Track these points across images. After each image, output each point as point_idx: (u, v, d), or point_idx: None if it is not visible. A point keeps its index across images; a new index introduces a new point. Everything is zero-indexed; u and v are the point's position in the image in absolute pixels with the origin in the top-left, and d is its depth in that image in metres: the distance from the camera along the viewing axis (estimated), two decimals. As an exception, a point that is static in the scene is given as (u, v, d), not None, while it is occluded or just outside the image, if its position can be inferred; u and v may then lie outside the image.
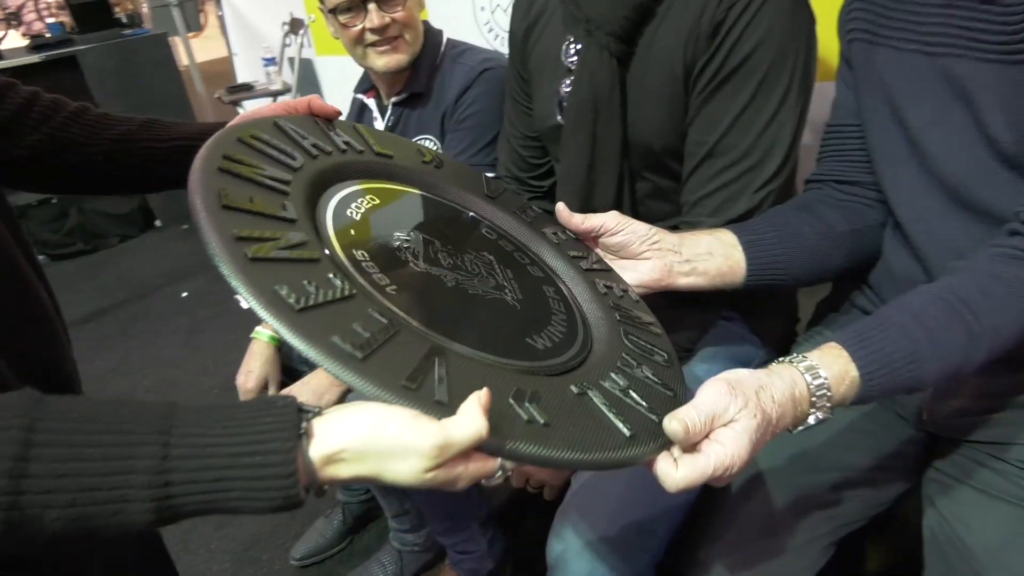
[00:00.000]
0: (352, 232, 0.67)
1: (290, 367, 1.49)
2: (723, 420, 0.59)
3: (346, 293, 0.56)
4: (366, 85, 1.48)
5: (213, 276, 3.30)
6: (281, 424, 0.50)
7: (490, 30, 1.85)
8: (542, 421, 0.54)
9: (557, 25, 1.08)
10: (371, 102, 1.45)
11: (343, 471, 0.52)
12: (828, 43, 1.03)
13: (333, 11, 1.28)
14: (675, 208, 1.03)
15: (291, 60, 3.44)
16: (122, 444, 0.48)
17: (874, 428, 0.94)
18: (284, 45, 3.51)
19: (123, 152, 0.86)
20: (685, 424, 0.57)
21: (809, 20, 0.95)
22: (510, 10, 1.74)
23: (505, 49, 1.76)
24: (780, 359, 0.67)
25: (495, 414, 0.52)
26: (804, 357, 0.66)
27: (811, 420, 0.65)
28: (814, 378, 0.64)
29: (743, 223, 0.93)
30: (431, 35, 1.38)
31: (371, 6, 1.25)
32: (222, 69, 5.10)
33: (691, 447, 0.59)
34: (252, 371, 1.43)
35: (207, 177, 0.59)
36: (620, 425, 0.58)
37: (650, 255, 0.85)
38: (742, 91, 0.93)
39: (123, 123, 0.87)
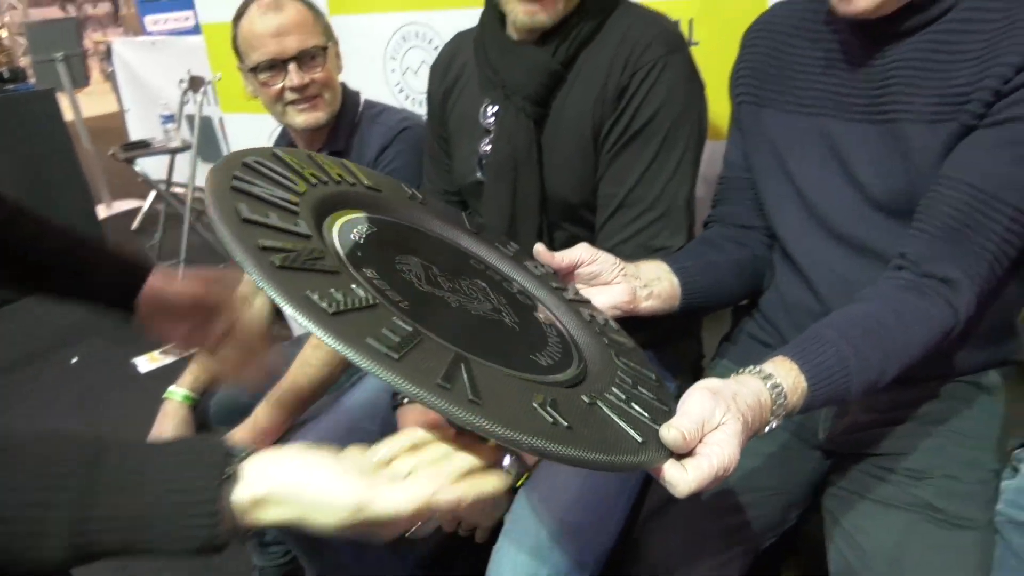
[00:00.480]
0: (358, 253, 0.69)
1: (202, 427, 1.45)
2: (712, 425, 0.64)
3: (370, 302, 0.58)
4: (284, 142, 1.50)
5: (106, 339, 3.14)
6: (208, 464, 0.51)
7: (400, 91, 1.92)
8: (565, 424, 0.57)
9: (474, 89, 1.16)
10: (289, 159, 1.47)
11: (268, 515, 0.52)
12: (715, 106, 1.15)
13: (253, 70, 1.31)
14: None
15: (190, 118, 3.39)
16: (46, 475, 0.47)
17: (777, 449, 1.03)
18: (183, 102, 3.46)
19: None
20: (681, 432, 0.61)
21: (700, 87, 1.08)
22: (421, 72, 1.83)
23: (416, 109, 1.84)
24: (740, 370, 0.72)
25: (522, 415, 0.55)
26: (762, 369, 0.72)
27: (769, 428, 0.70)
28: (774, 387, 0.70)
29: (668, 255, 1.02)
30: (349, 95, 1.43)
31: (291, 66, 1.29)
32: (112, 125, 4.95)
33: (688, 452, 0.63)
34: (164, 433, 1.38)
35: (222, 195, 0.61)
36: (631, 432, 0.61)
37: (619, 280, 0.92)
38: (646, 149, 1.03)
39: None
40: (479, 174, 1.16)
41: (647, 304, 0.93)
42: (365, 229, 0.75)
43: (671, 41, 1.03)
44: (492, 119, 1.13)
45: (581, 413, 0.61)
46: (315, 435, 1.24)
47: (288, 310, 0.52)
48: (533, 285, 0.87)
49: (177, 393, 1.42)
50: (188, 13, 4.79)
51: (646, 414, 0.65)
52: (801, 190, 0.98)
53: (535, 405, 0.58)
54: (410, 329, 0.57)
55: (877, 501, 0.93)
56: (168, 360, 2.77)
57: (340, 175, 0.81)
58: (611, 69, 1.02)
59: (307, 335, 1.42)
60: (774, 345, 1.05)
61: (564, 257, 0.90)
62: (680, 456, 0.63)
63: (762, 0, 1.33)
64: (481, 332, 0.69)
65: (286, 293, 0.52)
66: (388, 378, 0.51)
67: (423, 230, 0.86)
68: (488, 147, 1.14)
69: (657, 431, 0.63)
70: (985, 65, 0.82)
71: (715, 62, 1.15)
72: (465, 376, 0.56)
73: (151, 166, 3.96)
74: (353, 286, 0.59)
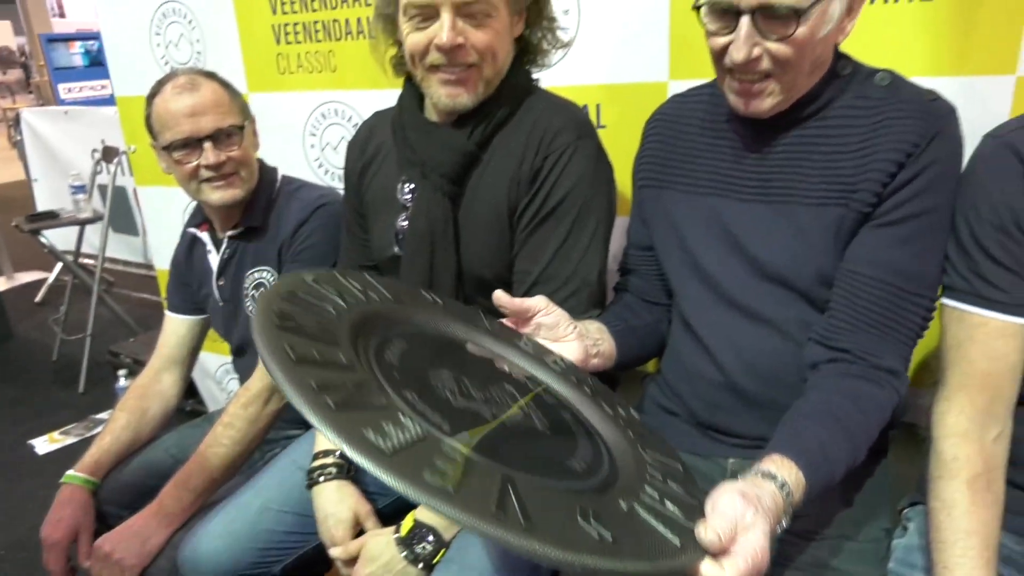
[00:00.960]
0: (395, 375, 0.73)
1: (104, 512, 1.38)
2: (744, 525, 0.67)
3: (420, 434, 0.61)
4: (199, 219, 1.49)
5: (1, 419, 2.95)
6: None
7: (320, 166, 1.94)
8: (609, 538, 0.60)
9: (391, 166, 1.20)
10: (204, 236, 1.46)
11: None
12: (623, 185, 1.22)
13: (167, 148, 1.30)
14: None
15: (103, 188, 3.31)
16: None
17: None
18: (95, 172, 3.38)
19: None
20: (718, 534, 0.64)
21: (608, 168, 1.15)
22: (340, 148, 1.86)
23: (336, 184, 1.86)
24: (746, 472, 0.76)
25: (570, 533, 0.58)
26: (768, 471, 0.76)
27: (780, 528, 0.74)
28: (782, 487, 0.74)
29: (599, 316, 1.08)
30: (266, 171, 1.44)
31: (207, 144, 1.29)
32: (17, 194, 4.76)
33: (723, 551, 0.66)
34: (62, 519, 1.31)
35: (271, 335, 0.66)
36: (670, 536, 0.64)
37: (573, 337, 0.96)
38: (559, 228, 1.08)
39: None
40: (396, 249, 1.18)
41: (595, 362, 0.98)
42: (398, 347, 0.80)
43: (580, 127, 1.10)
44: (409, 196, 1.16)
45: (621, 521, 0.64)
46: (224, 518, 1.20)
47: (350, 453, 0.55)
48: (556, 381, 0.91)
49: (76, 477, 1.35)
50: (104, 82, 4.73)
51: (679, 513, 0.69)
52: (700, 265, 1.05)
53: (579, 520, 0.61)
54: (458, 458, 0.61)
55: (776, 562, 0.96)
56: (69, 441, 2.62)
57: (366, 291, 0.86)
58: (525, 152, 1.08)
59: (218, 412, 1.39)
60: (679, 414, 1.10)
61: (524, 302, 0.94)
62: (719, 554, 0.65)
63: (662, 87, 1.43)
64: (518, 442, 0.73)
65: (347, 437, 0.56)
66: (447, 513, 0.54)
67: (449, 336, 0.90)
68: (405, 223, 1.16)
69: (691, 530, 0.66)
70: (866, 158, 0.92)
71: (622, 143, 1.23)
72: (514, 499, 0.59)
73: (58, 237, 3.82)
74: (402, 417, 0.63)
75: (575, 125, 1.09)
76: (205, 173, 1.31)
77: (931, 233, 0.91)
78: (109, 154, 3.19)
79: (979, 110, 1.16)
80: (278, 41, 1.88)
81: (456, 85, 1.06)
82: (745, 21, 0.85)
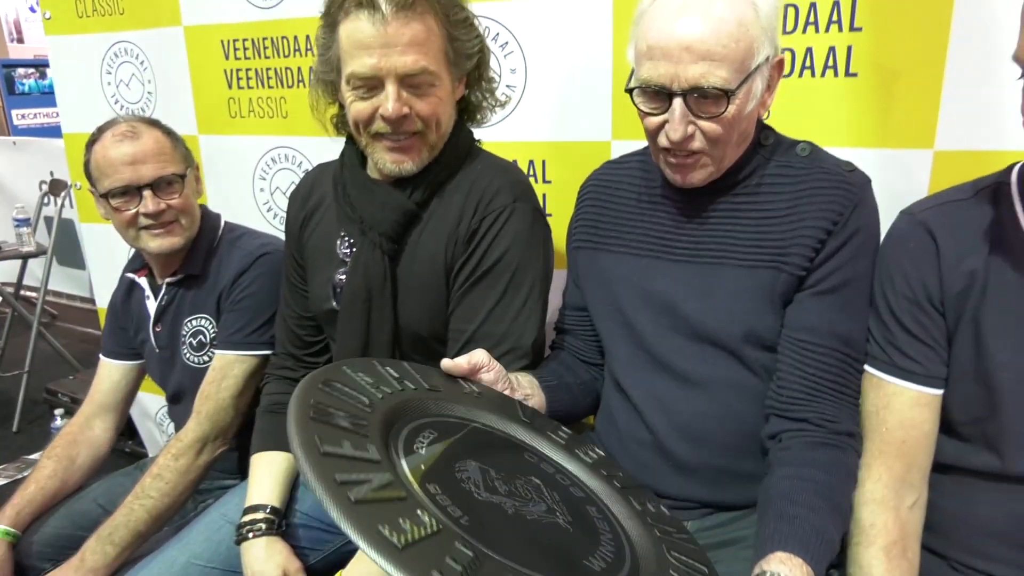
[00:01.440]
0: (422, 467, 0.75)
1: (25, 565, 1.33)
2: None
3: (435, 529, 0.63)
4: (137, 264, 1.47)
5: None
6: None
7: (269, 209, 1.94)
8: None
9: (331, 220, 1.20)
10: (143, 281, 1.45)
11: None
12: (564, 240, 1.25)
13: (105, 195, 1.29)
14: None
15: (49, 220, 3.25)
16: None
17: None
18: (42, 204, 3.32)
19: None
20: None
21: (546, 229, 1.17)
22: (289, 191, 1.86)
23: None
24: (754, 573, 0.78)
25: None
26: (776, 573, 0.77)
27: None
28: None
29: (533, 371, 1.09)
30: (208, 218, 1.44)
31: (146, 192, 1.29)
32: (-40, 223, 4.62)
33: None
34: (-22, 574, 1.26)
35: (304, 426, 0.69)
36: None
37: (508, 392, 0.98)
38: (495, 287, 1.10)
39: None
40: (333, 303, 1.18)
41: None
42: (427, 438, 0.81)
43: (518, 190, 1.12)
44: (347, 250, 1.17)
45: None
46: (148, 572, 1.16)
47: (363, 547, 0.57)
48: (585, 474, 0.91)
49: (-3, 529, 1.31)
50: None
51: None
52: (632, 326, 1.07)
53: None
54: (471, 555, 0.62)
55: None
56: (-1, 483, 2.53)
57: (402, 379, 0.88)
58: (463, 213, 1.10)
59: (150, 460, 1.36)
60: None
61: (469, 359, 0.96)
62: None
63: (605, 146, 1.48)
64: (537, 540, 0.73)
65: (361, 530, 0.58)
66: None
67: (480, 426, 0.91)
68: (343, 277, 1.17)
69: None
70: (794, 224, 0.96)
71: (566, 198, 1.26)
72: None
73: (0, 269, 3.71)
74: (419, 512, 0.64)
75: (512, 187, 1.11)
76: (144, 221, 1.30)
77: (862, 298, 0.96)
78: (57, 187, 3.13)
79: (900, 182, 1.23)
80: (230, 86, 1.89)
81: (401, 152, 1.08)
82: (678, 103, 0.90)
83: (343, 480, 0.63)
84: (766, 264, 0.98)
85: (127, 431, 2.62)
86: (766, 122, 1.06)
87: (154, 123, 1.36)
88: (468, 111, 1.18)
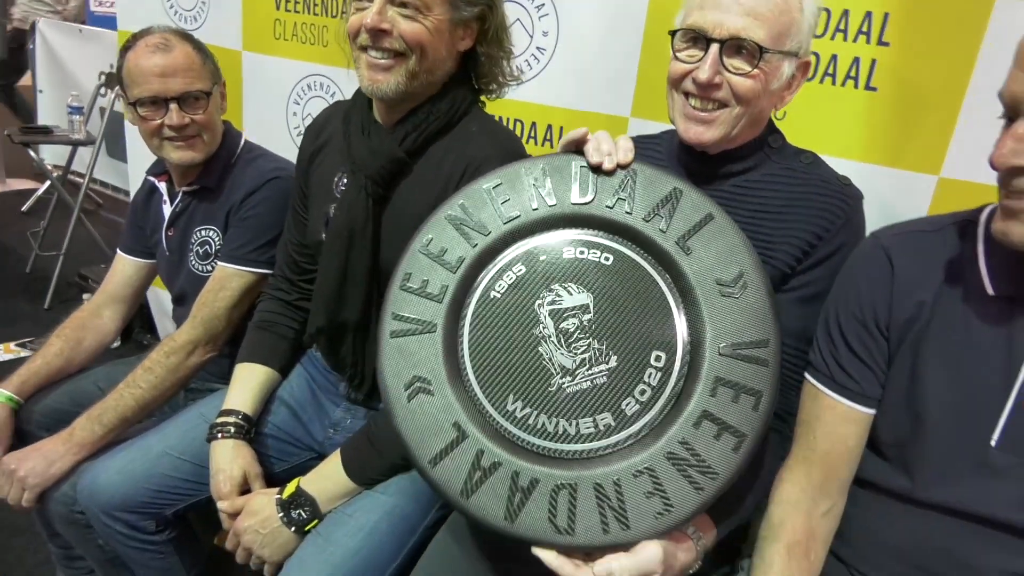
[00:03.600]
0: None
1: (24, 431, 1.44)
2: None
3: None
4: (159, 169, 1.54)
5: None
6: None
7: (299, 134, 2.00)
8: None
9: (335, 156, 1.25)
10: (162, 186, 1.52)
11: None
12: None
13: (134, 103, 1.36)
14: None
15: (103, 111, 3.35)
16: None
17: None
18: (97, 95, 3.43)
19: None
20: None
21: None
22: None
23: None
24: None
25: None
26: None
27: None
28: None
29: None
30: (229, 136, 1.49)
31: (172, 105, 1.34)
32: (25, 99, 4.80)
33: None
34: (-19, 432, 1.37)
35: None
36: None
37: None
38: None
39: None
40: (323, 235, 1.24)
41: None
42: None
43: (509, 157, 1.14)
44: (343, 188, 1.22)
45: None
46: (125, 456, 1.26)
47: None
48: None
49: (0, 395, 1.42)
50: None
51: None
52: None
53: None
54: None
55: None
56: (23, 354, 2.69)
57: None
58: (452, 173, 1.13)
59: (142, 356, 1.45)
60: None
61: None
62: None
63: (623, 121, 1.49)
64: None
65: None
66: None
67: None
68: (333, 211, 1.22)
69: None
70: (785, 223, 1.00)
71: None
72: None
73: (53, 151, 3.85)
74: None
75: (503, 155, 1.13)
76: (168, 132, 1.36)
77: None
78: (112, 80, 3.23)
79: (901, 203, 1.24)
80: (278, 7, 1.94)
81: (378, 71, 1.10)
82: (714, 48, 0.95)
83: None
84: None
85: (147, 325, 2.76)
86: (780, 124, 1.08)
87: (187, 37, 1.40)
88: (475, 69, 1.20)
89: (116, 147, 3.67)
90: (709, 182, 1.05)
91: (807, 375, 0.98)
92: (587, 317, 0.87)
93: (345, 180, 1.21)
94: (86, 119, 3.30)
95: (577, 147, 0.92)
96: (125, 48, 1.37)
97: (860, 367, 0.92)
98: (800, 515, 0.93)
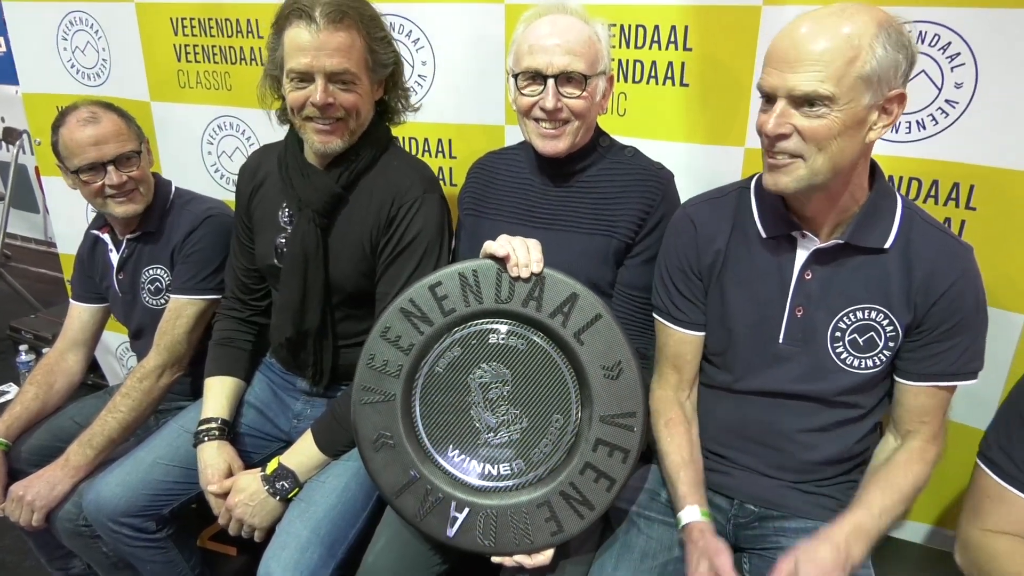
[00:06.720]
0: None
1: (15, 469, 1.61)
2: None
3: None
4: (100, 222, 1.74)
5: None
6: None
7: (216, 171, 2.19)
8: None
9: (275, 193, 1.48)
10: (106, 237, 1.72)
11: None
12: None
13: (75, 172, 1.55)
14: (364, 328, 1.40)
15: (3, 166, 3.39)
16: None
17: None
18: (-4, 152, 3.45)
19: None
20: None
21: (449, 215, 1.46)
22: (235, 157, 2.12)
23: (231, 187, 2.11)
24: None
25: None
26: None
27: None
28: None
29: None
30: (161, 185, 1.70)
31: (110, 167, 1.55)
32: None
33: None
34: (-27, 478, 1.55)
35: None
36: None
37: None
38: (411, 260, 1.39)
39: None
40: (275, 260, 1.48)
41: None
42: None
43: (426, 183, 1.42)
44: (288, 220, 1.46)
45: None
46: (122, 470, 1.48)
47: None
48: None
49: (-10, 437, 1.59)
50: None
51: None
52: None
53: None
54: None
55: None
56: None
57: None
58: (382, 203, 1.39)
59: (117, 386, 1.65)
60: None
61: None
62: None
63: (499, 128, 1.78)
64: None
65: None
66: None
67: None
68: (283, 240, 1.46)
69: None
70: (621, 205, 1.33)
71: (467, 170, 1.55)
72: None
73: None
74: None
75: (422, 182, 1.40)
76: (109, 191, 1.57)
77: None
78: (10, 135, 3.28)
79: (720, 169, 1.58)
80: (179, 59, 2.11)
81: (327, 134, 1.35)
82: (551, 82, 1.25)
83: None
84: (602, 232, 1.34)
85: (91, 365, 2.88)
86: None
87: (110, 106, 1.60)
88: (386, 111, 1.47)
89: (22, 200, 3.69)
90: (565, 180, 1.36)
91: (654, 315, 1.31)
92: (507, 388, 1.16)
93: (289, 213, 1.45)
94: (-11, 176, 3.34)
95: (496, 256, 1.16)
96: (57, 125, 1.56)
97: (687, 303, 1.26)
98: (670, 403, 1.28)
